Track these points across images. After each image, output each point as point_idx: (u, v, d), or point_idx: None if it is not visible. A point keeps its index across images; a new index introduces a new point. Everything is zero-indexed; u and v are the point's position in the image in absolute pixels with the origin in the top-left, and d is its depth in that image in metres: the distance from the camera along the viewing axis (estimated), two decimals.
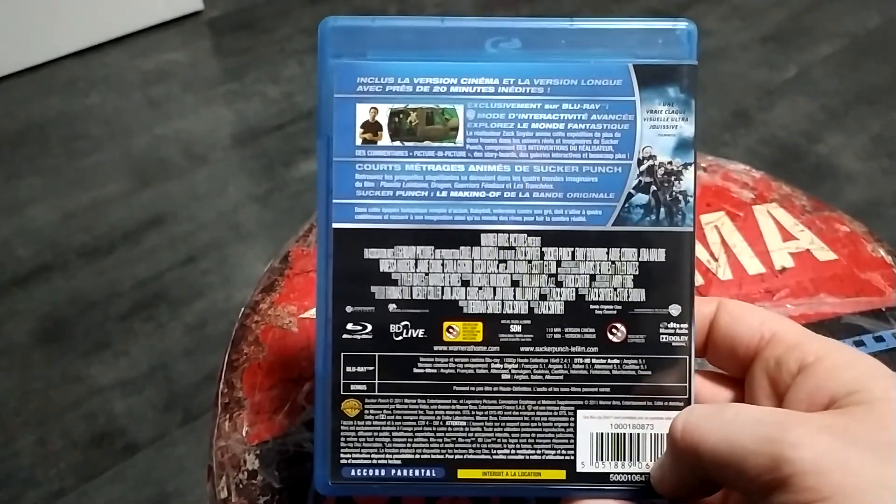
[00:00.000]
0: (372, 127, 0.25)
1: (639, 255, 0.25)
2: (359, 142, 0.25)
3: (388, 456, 0.25)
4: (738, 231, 0.40)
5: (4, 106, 1.26)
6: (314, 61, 1.47)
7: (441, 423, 0.25)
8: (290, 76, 1.30)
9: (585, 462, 0.25)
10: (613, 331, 0.25)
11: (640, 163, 0.25)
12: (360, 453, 0.25)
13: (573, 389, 0.25)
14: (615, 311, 0.25)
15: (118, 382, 0.88)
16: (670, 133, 0.25)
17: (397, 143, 0.25)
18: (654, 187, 0.25)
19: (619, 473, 0.24)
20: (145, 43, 1.36)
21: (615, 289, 0.25)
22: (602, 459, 0.25)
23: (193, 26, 1.40)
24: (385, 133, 0.25)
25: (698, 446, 0.21)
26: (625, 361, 0.25)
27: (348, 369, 0.25)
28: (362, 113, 0.25)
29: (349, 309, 0.25)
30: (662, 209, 0.25)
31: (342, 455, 0.25)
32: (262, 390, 0.34)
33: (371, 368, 0.25)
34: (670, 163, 0.25)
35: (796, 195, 0.42)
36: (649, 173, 0.25)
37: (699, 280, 0.37)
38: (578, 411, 0.25)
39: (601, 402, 0.25)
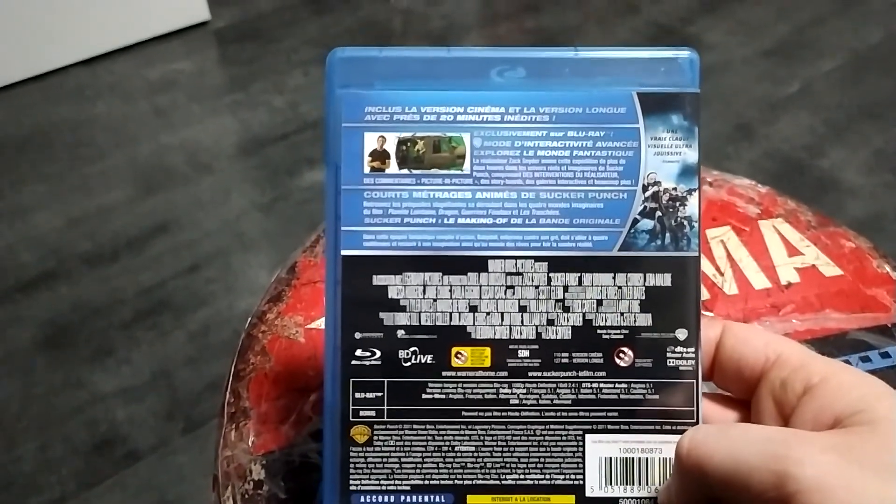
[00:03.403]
0: (380, 155, 0.25)
1: (645, 280, 0.25)
2: (367, 170, 0.25)
3: (397, 482, 0.25)
4: (743, 246, 0.40)
5: (11, 113, 1.27)
6: (319, 71, 1.47)
7: (450, 448, 0.25)
8: (295, 86, 1.31)
9: (594, 487, 0.25)
10: (621, 355, 0.25)
11: (644, 189, 0.25)
12: (370, 479, 0.25)
13: (581, 414, 0.25)
14: (622, 336, 0.25)
15: (120, 390, 0.88)
16: (674, 160, 0.25)
17: (405, 171, 0.25)
18: (659, 213, 0.25)
19: (628, 498, 0.24)
20: (152, 52, 1.37)
21: (622, 313, 0.25)
22: (611, 484, 0.25)
23: (200, 36, 1.41)
24: (393, 161, 0.25)
25: (704, 463, 0.21)
26: (632, 385, 0.25)
27: (357, 395, 0.25)
28: (370, 142, 0.25)
29: (358, 335, 0.25)
30: (668, 234, 0.25)
31: (352, 482, 0.25)
32: (268, 400, 0.34)
33: (380, 394, 0.25)
34: (675, 188, 0.25)
35: (802, 210, 0.42)
36: (654, 199, 0.25)
37: (705, 294, 0.37)
38: (587, 436, 0.25)
39: (609, 427, 0.25)
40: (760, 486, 0.19)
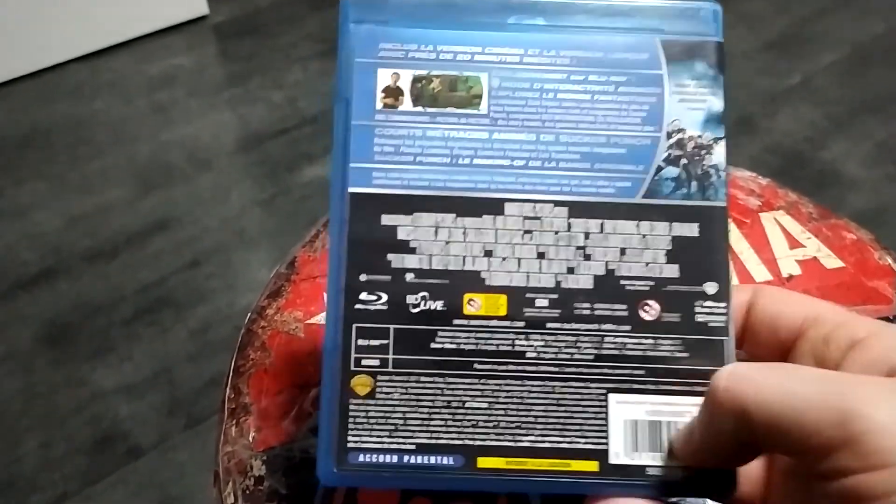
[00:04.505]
0: (393, 92, 0.24)
1: (671, 229, 0.24)
2: (379, 106, 0.24)
3: (401, 440, 0.23)
4: (744, 238, 0.40)
5: (9, 110, 1.26)
6: (319, 67, 1.47)
7: (460, 404, 0.23)
8: (294, 82, 1.30)
9: (619, 452, 0.23)
10: (646, 308, 0.24)
11: (668, 136, 0.24)
12: (371, 436, 0.23)
13: (604, 371, 0.23)
14: (647, 288, 0.24)
15: (122, 387, 0.88)
16: (699, 107, 0.24)
17: (419, 109, 0.24)
18: (684, 160, 0.24)
19: (655, 467, 0.23)
20: (151, 48, 1.37)
21: (647, 264, 0.24)
22: (637, 450, 0.23)
23: (198, 31, 1.41)
24: (407, 98, 0.24)
25: (746, 400, 0.19)
26: (659, 342, 0.23)
27: (360, 342, 0.23)
28: (384, 78, 0.24)
29: (363, 277, 0.24)
30: (693, 182, 0.24)
31: (350, 438, 0.23)
32: (268, 396, 0.34)
33: (385, 342, 0.23)
34: (700, 136, 0.24)
35: (803, 202, 0.42)
36: (679, 146, 0.24)
37: None
38: (610, 395, 0.23)
39: (634, 386, 0.23)
40: (819, 423, 0.17)
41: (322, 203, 1.10)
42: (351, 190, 0.24)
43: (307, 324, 0.37)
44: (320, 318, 0.37)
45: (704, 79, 0.24)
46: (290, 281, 0.39)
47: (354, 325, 0.24)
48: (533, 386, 0.23)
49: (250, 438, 0.33)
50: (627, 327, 0.23)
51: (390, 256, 0.24)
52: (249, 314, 0.39)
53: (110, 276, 1.00)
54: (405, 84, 0.24)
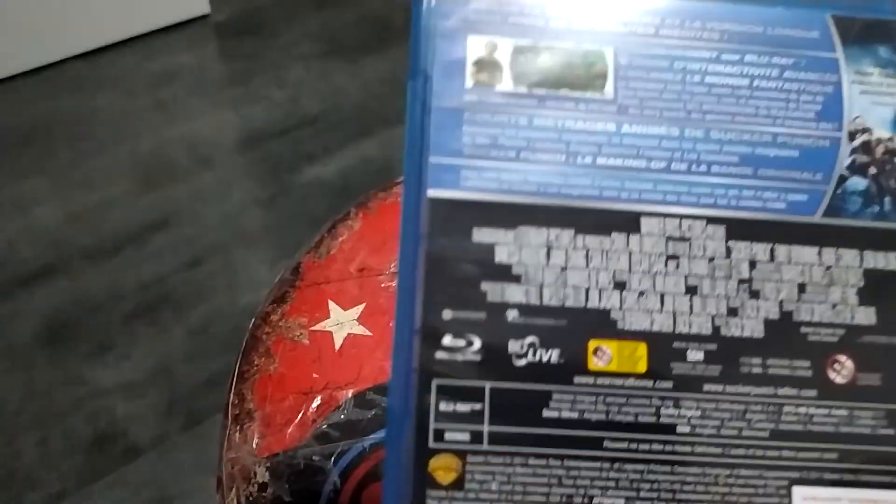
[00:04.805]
0: (488, 66, 0.19)
1: (861, 260, 0.18)
2: (469, 83, 0.19)
3: None
4: None
5: (11, 106, 1.26)
6: (321, 66, 1.46)
7: (586, 498, 0.17)
8: (295, 81, 1.30)
9: None
10: (836, 366, 0.18)
11: (851, 136, 0.19)
12: None
13: (785, 454, 0.17)
14: (836, 339, 0.18)
15: (121, 385, 0.88)
16: (888, 102, 0.19)
17: (522, 90, 0.19)
18: (872, 169, 0.19)
19: None
20: (153, 45, 1.37)
21: (834, 305, 0.18)
22: None
23: (200, 29, 1.41)
24: (506, 75, 0.19)
25: None
26: (856, 413, 0.18)
27: (443, 407, 0.17)
28: (476, 47, 0.19)
29: (448, 315, 0.18)
30: (887, 199, 0.19)
31: None
32: (272, 402, 0.34)
33: (478, 407, 0.17)
34: (891, 139, 0.19)
35: None
36: (865, 151, 0.19)
37: None
38: (794, 488, 0.17)
39: (826, 476, 0.17)
40: None
41: (323, 203, 1.10)
42: (431, 194, 0.18)
43: (312, 330, 0.37)
44: (324, 325, 0.37)
45: (890, 66, 0.19)
46: (295, 287, 0.39)
47: (434, 382, 0.17)
48: (687, 475, 0.17)
49: (254, 445, 0.33)
50: (812, 392, 0.18)
51: (485, 286, 0.18)
52: (253, 319, 0.39)
53: (110, 274, 1.00)
54: (504, 56, 0.19)
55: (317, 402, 0.34)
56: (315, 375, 0.35)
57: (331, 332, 0.35)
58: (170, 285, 0.98)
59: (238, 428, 0.34)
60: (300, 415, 0.33)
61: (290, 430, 0.33)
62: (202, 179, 1.13)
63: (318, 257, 0.41)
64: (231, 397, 0.36)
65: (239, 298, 0.97)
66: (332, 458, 0.30)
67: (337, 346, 0.34)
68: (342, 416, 0.32)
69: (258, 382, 0.35)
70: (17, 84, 1.29)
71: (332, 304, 0.36)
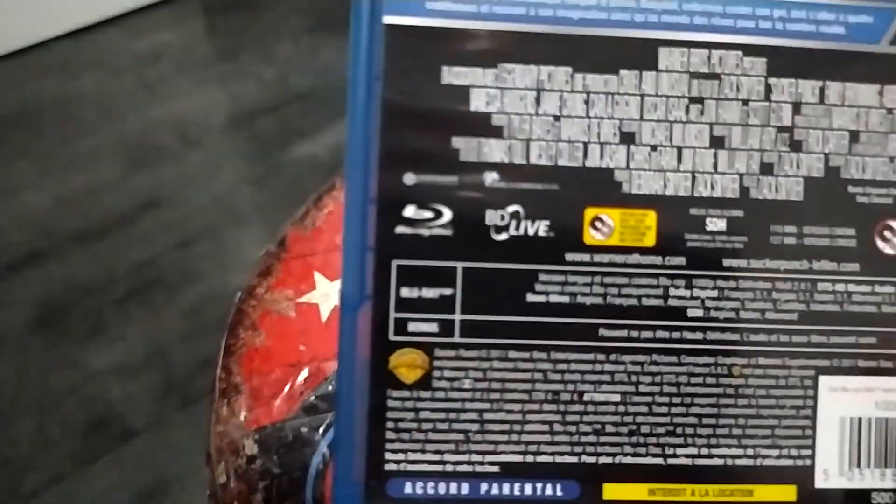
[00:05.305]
0: None
1: None
2: None
3: (473, 458, 0.14)
4: None
5: None
6: (310, 41, 1.45)
7: (575, 397, 0.14)
8: (284, 57, 1.28)
9: (830, 470, 0.14)
10: (886, 234, 0.15)
11: None
12: (423, 453, 0.14)
13: (814, 339, 0.14)
14: (891, 200, 0.15)
15: (115, 368, 0.88)
16: None
17: None
18: None
19: (885, 492, 0.14)
20: (138, 23, 1.34)
21: (892, 159, 0.14)
22: (860, 465, 0.14)
23: (186, 6, 1.38)
24: None
25: None
26: None
27: (405, 293, 0.14)
28: None
29: (410, 179, 0.14)
30: None
31: (389, 456, 0.14)
32: (259, 375, 0.34)
33: (448, 293, 0.14)
34: None
35: None
36: None
37: None
38: (821, 378, 0.14)
39: (860, 363, 0.14)
40: None
41: (315, 181, 1.09)
42: (388, 20, 0.14)
43: (298, 302, 0.36)
44: (311, 297, 0.36)
45: None
46: (281, 259, 0.39)
47: (394, 263, 0.14)
48: (696, 366, 0.14)
49: (242, 418, 0.32)
50: (854, 266, 0.15)
51: (458, 142, 0.14)
52: (239, 293, 0.38)
53: (101, 257, 0.99)
54: None
55: (304, 374, 0.33)
56: (302, 348, 0.34)
57: (317, 304, 0.34)
58: (161, 267, 0.98)
59: (226, 402, 0.33)
60: (288, 387, 0.33)
61: (277, 403, 0.33)
62: (191, 159, 1.12)
63: (303, 229, 0.40)
64: (218, 372, 0.35)
65: (231, 278, 0.96)
66: (321, 430, 0.30)
67: (324, 318, 0.34)
68: (330, 388, 0.31)
69: (245, 356, 0.35)
70: (1, 66, 1.27)
71: (318, 276, 0.35)
